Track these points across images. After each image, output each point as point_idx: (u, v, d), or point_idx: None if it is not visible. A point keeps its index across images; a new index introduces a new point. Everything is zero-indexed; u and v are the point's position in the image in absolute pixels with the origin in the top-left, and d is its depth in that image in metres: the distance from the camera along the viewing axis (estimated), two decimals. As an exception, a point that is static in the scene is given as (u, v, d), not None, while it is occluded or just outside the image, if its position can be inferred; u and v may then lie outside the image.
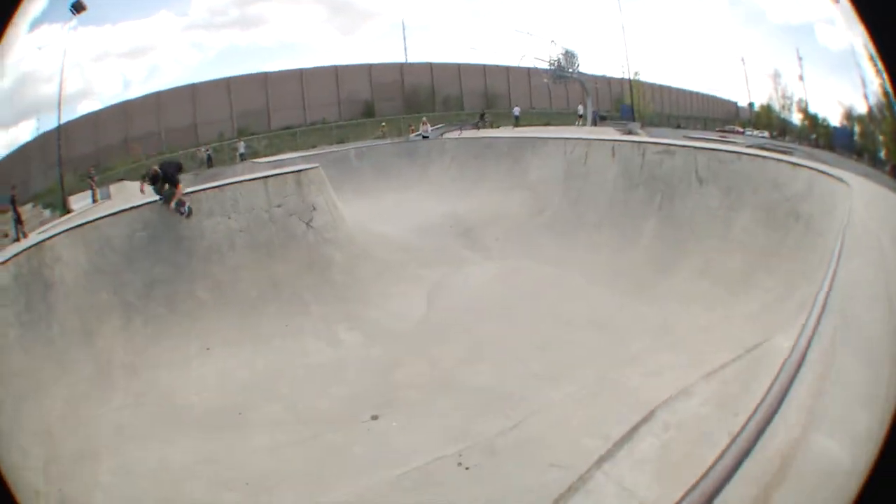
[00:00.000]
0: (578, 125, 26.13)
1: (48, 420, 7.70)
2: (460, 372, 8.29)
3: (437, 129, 27.11)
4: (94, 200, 20.20)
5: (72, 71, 31.83)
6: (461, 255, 13.25)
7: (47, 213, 19.97)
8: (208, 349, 9.42)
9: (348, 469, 6.30)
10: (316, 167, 12.15)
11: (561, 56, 27.39)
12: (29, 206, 20.77)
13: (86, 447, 7.23)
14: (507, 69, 31.84)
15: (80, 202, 20.46)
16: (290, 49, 36.13)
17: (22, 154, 24.88)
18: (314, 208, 11.31)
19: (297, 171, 11.58)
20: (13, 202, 14.10)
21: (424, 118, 26.78)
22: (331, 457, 6.63)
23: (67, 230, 10.28)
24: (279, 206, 11.05)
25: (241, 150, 27.60)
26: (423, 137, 24.11)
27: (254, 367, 8.83)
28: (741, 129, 21.80)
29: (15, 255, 9.78)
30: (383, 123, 29.19)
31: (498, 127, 27.51)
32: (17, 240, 12.81)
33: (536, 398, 7.09)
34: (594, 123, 25.76)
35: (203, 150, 28.08)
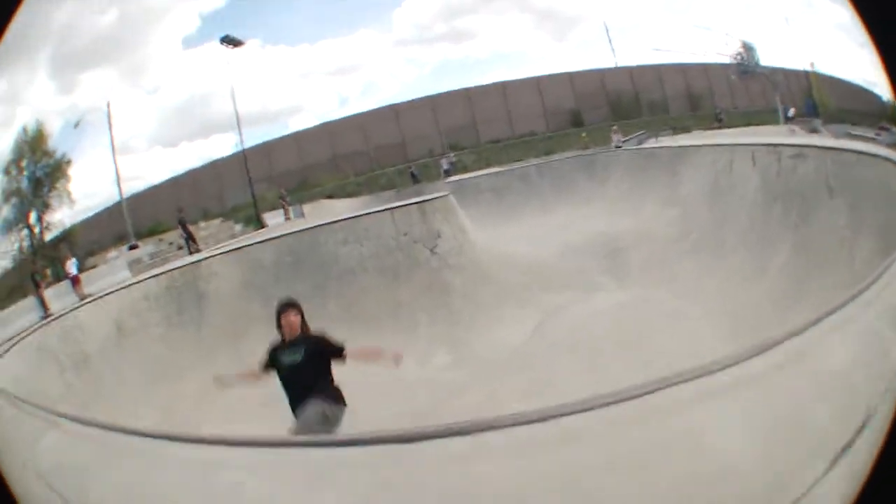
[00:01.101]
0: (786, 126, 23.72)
1: (175, 398, 9.30)
2: (503, 407, 8.19)
3: (638, 136, 26.17)
4: (287, 218, 22.96)
5: (270, 89, 36.92)
6: (595, 281, 12.96)
7: (238, 227, 23.14)
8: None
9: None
10: (444, 196, 13.10)
11: (742, 50, 25.29)
12: (218, 220, 24.52)
13: (193, 422, 8.47)
14: (706, 68, 29.86)
15: (274, 219, 23.40)
16: (503, 59, 36.89)
17: (213, 169, 28.98)
18: (439, 235, 12.14)
19: (421, 202, 12.64)
20: (182, 223, 16.71)
21: (615, 126, 26.13)
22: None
23: (224, 252, 12.29)
24: (405, 234, 12.09)
25: (445, 166, 28.61)
26: (616, 147, 23.61)
27: (346, 376, 9.57)
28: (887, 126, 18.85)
29: (169, 271, 12.00)
30: (584, 134, 28.90)
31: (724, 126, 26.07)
32: (191, 253, 15.29)
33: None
34: (786, 122, 23.27)
35: (411, 167, 30.06)
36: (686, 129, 26.33)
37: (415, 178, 28.89)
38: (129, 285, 12.07)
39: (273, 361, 5.64)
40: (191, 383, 10.35)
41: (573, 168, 20.99)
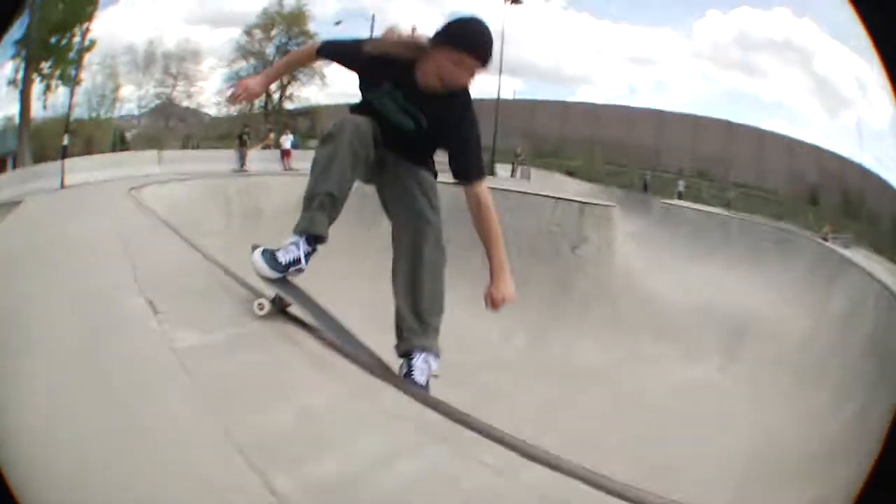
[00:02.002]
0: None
1: (323, 275, 11.89)
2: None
3: (844, 238, 24.91)
4: (512, 175, 25.00)
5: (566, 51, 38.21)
6: (702, 350, 13.15)
7: None
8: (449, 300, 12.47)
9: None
10: (609, 206, 14.02)
11: None
12: None
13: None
14: None
15: (504, 171, 25.54)
16: (783, 110, 35.64)
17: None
18: (585, 239, 13.19)
19: (583, 203, 13.65)
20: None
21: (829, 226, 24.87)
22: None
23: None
24: (558, 225, 13.34)
25: (680, 188, 29.26)
26: (822, 238, 22.84)
27: (451, 316, 11.54)
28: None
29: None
30: (810, 214, 27.92)
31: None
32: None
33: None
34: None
35: (646, 175, 30.67)
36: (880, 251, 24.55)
37: (646, 187, 29.68)
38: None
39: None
40: (336, 267, 12.93)
41: (769, 238, 20.66)
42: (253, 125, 22.69)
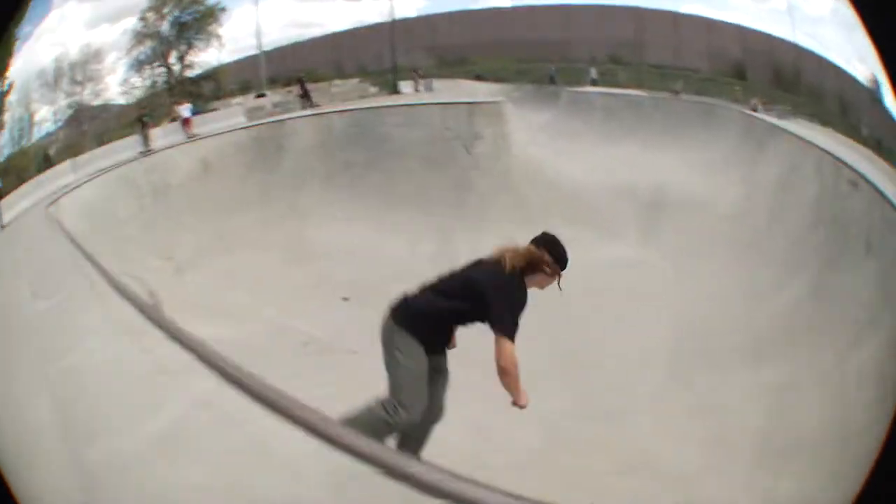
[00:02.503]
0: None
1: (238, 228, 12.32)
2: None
3: (779, 109, 25.17)
4: (416, 90, 24.87)
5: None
6: (617, 229, 13.41)
7: (374, 90, 25.53)
8: (350, 219, 12.80)
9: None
10: (497, 101, 14.12)
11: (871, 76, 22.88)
12: (356, 80, 27.12)
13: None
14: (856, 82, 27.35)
15: (406, 88, 25.61)
16: None
17: (375, 30, 30.70)
18: (478, 137, 13.43)
19: (471, 103, 13.90)
20: (301, 82, 19.18)
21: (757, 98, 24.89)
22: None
23: (304, 116, 14.58)
24: (449, 129, 13.54)
25: (593, 75, 29.42)
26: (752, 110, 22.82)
27: (358, 237, 11.97)
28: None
29: (258, 125, 14.55)
30: (738, 88, 27.94)
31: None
32: (303, 108, 17.81)
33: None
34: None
35: (551, 69, 30.71)
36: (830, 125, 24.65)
37: (552, 79, 29.73)
38: (224, 133, 14.87)
39: None
40: (248, 217, 13.15)
41: (693, 114, 20.40)
42: (157, 103, 22.64)
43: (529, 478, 5.77)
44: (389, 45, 27.09)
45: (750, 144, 16.67)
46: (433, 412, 3.85)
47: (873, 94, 23.69)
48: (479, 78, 29.51)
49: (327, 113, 15.13)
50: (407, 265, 11.27)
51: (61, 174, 14.50)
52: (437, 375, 3.79)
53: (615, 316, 9.70)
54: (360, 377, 7.40)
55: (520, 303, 3.61)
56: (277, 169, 14.25)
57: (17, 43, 21.03)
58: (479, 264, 3.80)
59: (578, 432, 6.99)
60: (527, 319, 9.17)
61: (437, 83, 25.55)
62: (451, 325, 3.76)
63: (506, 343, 3.42)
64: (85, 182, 12.69)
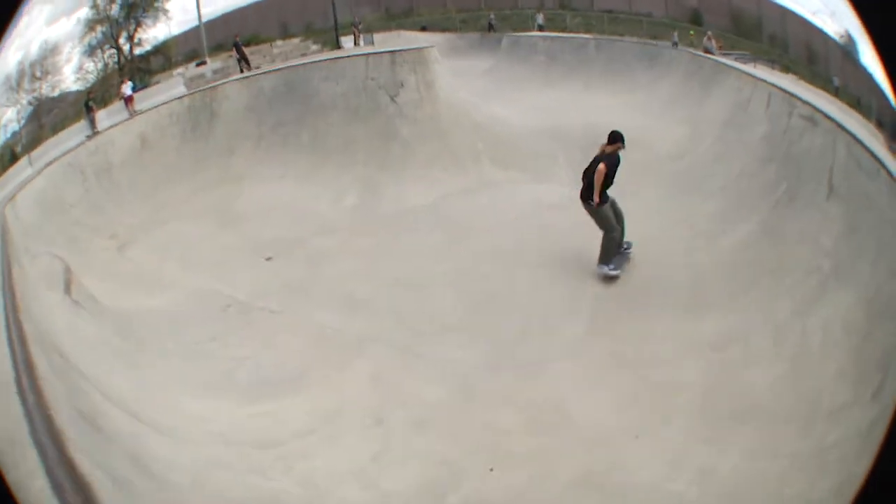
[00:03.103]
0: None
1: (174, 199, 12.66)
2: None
3: (738, 54, 24.71)
4: (356, 44, 24.86)
5: None
6: (550, 170, 13.21)
7: (315, 48, 25.55)
8: (282, 177, 12.89)
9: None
10: (420, 48, 14.07)
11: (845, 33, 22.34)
12: (297, 40, 27.16)
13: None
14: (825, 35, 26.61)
15: (348, 43, 25.57)
16: None
17: None
18: (402, 85, 13.35)
19: (392, 52, 13.79)
20: (236, 46, 19.12)
21: (710, 33, 24.50)
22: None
23: (236, 80, 14.60)
24: (373, 79, 13.51)
25: (540, 21, 28.24)
26: (706, 51, 22.38)
27: (282, 194, 12.09)
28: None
29: (192, 94, 14.61)
30: (692, 32, 27.56)
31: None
32: (242, 72, 17.84)
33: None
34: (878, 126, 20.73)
35: (490, 16, 29.63)
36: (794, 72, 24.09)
37: (491, 27, 29.55)
38: (161, 105, 14.90)
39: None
40: (184, 187, 13.33)
41: (635, 56, 20.07)
42: (108, 85, 22.83)
43: (429, 435, 6.09)
44: (331, 1, 27.17)
45: (695, 84, 16.47)
46: (621, 219, 9.11)
47: (845, 50, 23.26)
48: (423, 29, 29.56)
49: (256, 75, 15.12)
50: (329, 220, 11.66)
51: (22, 170, 14.75)
52: (612, 206, 9.04)
53: (541, 261, 9.43)
54: (276, 336, 7.89)
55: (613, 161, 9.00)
56: (210, 136, 14.35)
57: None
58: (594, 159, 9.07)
59: (488, 385, 6.80)
60: (444, 266, 9.78)
61: (379, 36, 25.53)
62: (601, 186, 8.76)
63: (601, 167, 8.74)
64: (38, 174, 12.86)
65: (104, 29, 25.98)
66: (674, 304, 7.98)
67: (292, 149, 13.52)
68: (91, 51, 25.89)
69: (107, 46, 25.95)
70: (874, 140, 8.03)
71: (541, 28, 27.47)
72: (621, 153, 9.03)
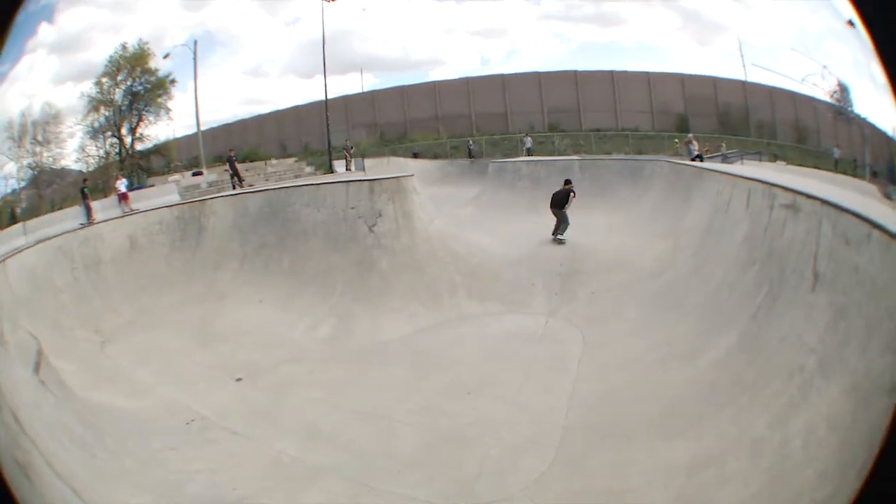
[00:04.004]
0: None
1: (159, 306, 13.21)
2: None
3: (725, 153, 25.56)
4: (347, 168, 25.88)
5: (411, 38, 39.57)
6: (525, 300, 13.55)
7: (309, 169, 26.46)
8: (261, 301, 13.32)
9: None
10: (398, 177, 14.75)
11: (837, 88, 22.86)
12: (292, 159, 28.05)
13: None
14: (815, 102, 27.47)
15: (341, 167, 26.48)
16: (648, 51, 36.33)
17: (316, 108, 31.40)
18: (380, 215, 13.97)
19: (371, 180, 14.47)
20: (229, 161, 19.93)
21: (691, 135, 25.30)
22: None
23: (224, 196, 15.31)
24: (353, 207, 14.17)
25: (528, 144, 29.48)
26: (695, 158, 22.92)
27: (260, 318, 12.61)
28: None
29: (181, 204, 15.23)
30: (676, 140, 28.52)
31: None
32: (234, 188, 18.59)
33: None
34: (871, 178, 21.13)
35: (469, 142, 31.20)
36: (782, 159, 24.97)
37: (471, 153, 30.65)
38: (149, 210, 15.67)
39: None
40: (170, 297, 13.84)
41: (619, 172, 21.14)
42: (108, 174, 23.62)
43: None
44: (325, 124, 28.38)
45: (676, 195, 16.91)
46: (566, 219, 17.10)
47: (837, 108, 23.95)
48: (415, 156, 31.07)
49: (243, 193, 15.86)
50: (302, 348, 12.04)
51: (15, 236, 15.36)
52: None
53: (511, 393, 9.52)
54: (233, 457, 8.09)
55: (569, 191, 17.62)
56: (198, 249, 14.94)
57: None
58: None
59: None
60: (409, 401, 9.74)
61: (371, 161, 26.55)
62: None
63: (571, 195, 17.34)
64: (30, 247, 13.45)
65: (108, 114, 27.01)
66: (647, 431, 7.88)
67: (273, 272, 14.11)
68: (94, 133, 26.91)
69: (109, 133, 27.00)
70: (869, 199, 8.15)
71: (529, 152, 28.61)
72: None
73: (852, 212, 7.25)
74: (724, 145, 26.24)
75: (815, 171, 21.79)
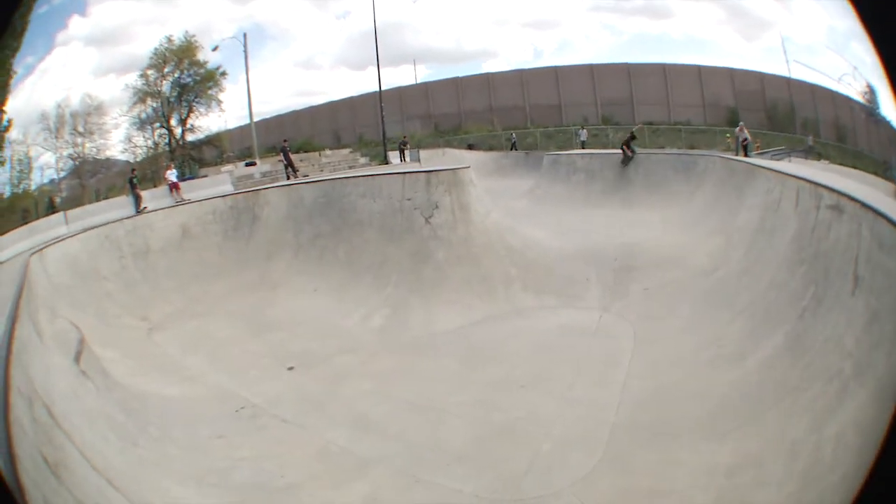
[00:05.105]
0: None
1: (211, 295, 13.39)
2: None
3: (774, 151, 25.03)
4: (402, 160, 25.87)
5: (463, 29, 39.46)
6: (580, 294, 13.33)
7: (364, 160, 26.52)
8: (315, 290, 13.36)
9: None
10: (456, 169, 14.54)
11: (866, 89, 22.20)
12: (346, 150, 28.11)
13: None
14: (851, 101, 26.89)
15: (395, 158, 26.48)
16: (696, 44, 35.59)
17: (371, 100, 31.12)
18: (436, 206, 13.82)
19: (428, 172, 14.35)
20: (283, 151, 20.03)
21: (742, 124, 24.57)
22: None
23: (279, 187, 15.44)
24: (409, 199, 14.05)
25: (583, 137, 29.56)
26: (745, 143, 22.48)
27: (314, 307, 12.66)
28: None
29: (235, 194, 15.35)
30: (728, 135, 28.19)
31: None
32: (288, 178, 18.70)
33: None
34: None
35: (511, 135, 31.39)
36: (824, 157, 24.42)
37: (513, 146, 30.86)
38: (204, 200, 15.83)
39: None
40: (222, 285, 13.98)
41: (672, 168, 20.61)
42: (158, 165, 24.01)
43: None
44: (379, 115, 28.42)
45: (728, 191, 16.65)
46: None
47: (868, 109, 23.31)
48: (470, 147, 31.15)
49: (298, 184, 15.94)
50: (356, 338, 12.07)
51: (55, 224, 15.63)
52: None
53: (562, 388, 9.43)
54: (281, 445, 8.13)
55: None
56: (251, 239, 15.03)
57: (15, 77, 22.58)
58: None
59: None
60: (460, 393, 9.70)
61: (425, 153, 26.48)
62: None
63: None
64: (73, 236, 13.77)
65: (155, 105, 27.47)
66: (693, 431, 7.83)
67: (328, 262, 14.15)
68: (141, 124, 27.39)
69: (157, 125, 27.45)
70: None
71: (584, 144, 28.41)
72: None
73: (887, 216, 7.40)
74: (810, 138, 25.46)
75: (854, 170, 21.16)
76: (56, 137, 24.81)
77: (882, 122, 21.27)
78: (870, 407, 5.81)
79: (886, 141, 21.87)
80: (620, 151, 21.80)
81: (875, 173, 20.03)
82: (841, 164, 23.15)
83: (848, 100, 25.66)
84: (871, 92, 21.61)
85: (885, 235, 7.24)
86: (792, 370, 7.98)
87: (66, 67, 27.83)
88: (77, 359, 8.37)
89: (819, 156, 24.26)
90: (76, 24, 27.58)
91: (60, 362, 7.99)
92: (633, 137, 22.41)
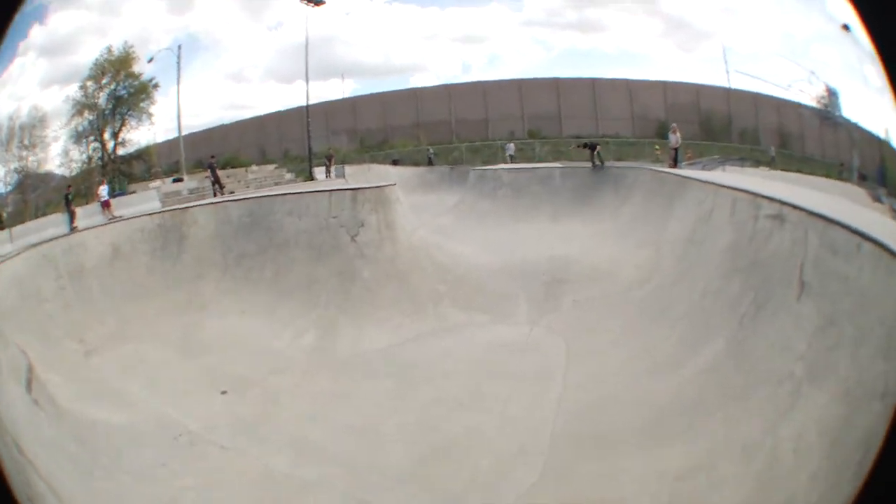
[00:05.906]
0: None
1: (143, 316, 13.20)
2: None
3: (707, 161, 25.85)
4: (327, 176, 26.02)
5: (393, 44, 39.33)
6: (509, 310, 13.80)
7: (289, 176, 26.56)
8: (243, 312, 13.41)
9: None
10: (381, 186, 14.87)
11: (825, 94, 23.18)
12: (272, 166, 28.10)
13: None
14: (800, 107, 27.76)
15: (321, 174, 26.63)
16: (629, 58, 36.71)
17: (297, 115, 30.60)
18: (362, 224, 14.25)
19: (354, 189, 14.71)
20: (210, 168, 19.99)
21: (675, 125, 25.03)
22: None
23: (206, 205, 15.29)
24: (335, 217, 14.39)
25: (510, 151, 30.21)
26: (675, 149, 22.97)
27: (243, 329, 12.79)
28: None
29: (163, 212, 15.18)
30: (657, 147, 28.95)
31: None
32: (215, 195, 18.61)
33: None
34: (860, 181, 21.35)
35: (429, 150, 31.99)
36: (764, 164, 25.32)
37: (430, 161, 31.45)
38: (133, 218, 15.66)
39: None
40: (153, 306, 13.86)
41: (599, 180, 21.42)
42: (91, 180, 23.54)
43: None
44: (306, 130, 28.49)
45: (658, 203, 17.14)
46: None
47: (824, 113, 24.26)
48: (395, 163, 31.58)
49: (224, 201, 15.93)
50: (287, 359, 12.21)
51: (2, 241, 15.27)
52: None
53: (498, 404, 9.69)
54: (223, 473, 8.19)
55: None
56: (179, 258, 14.99)
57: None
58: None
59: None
60: (397, 413, 9.83)
61: (351, 168, 26.71)
62: None
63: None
64: (18, 254, 13.48)
65: (91, 118, 26.93)
66: (636, 439, 7.97)
67: (255, 282, 14.34)
68: (77, 137, 26.74)
69: (92, 138, 26.81)
70: (856, 208, 8.55)
71: (512, 158, 28.97)
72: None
73: (841, 223, 7.49)
74: (772, 148, 26.45)
75: (799, 175, 22.00)
76: (6, 150, 24.10)
77: (841, 124, 22.02)
78: (834, 407, 5.99)
79: (845, 142, 22.66)
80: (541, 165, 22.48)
81: (827, 176, 21.04)
82: (784, 169, 24.18)
83: (797, 106, 26.55)
84: (831, 94, 22.41)
85: (839, 242, 7.37)
86: (735, 375, 8.22)
87: (21, 77, 27.09)
88: (28, 387, 8.49)
89: (758, 163, 25.14)
90: (35, 33, 26.90)
91: (15, 391, 8.10)
92: (593, 146, 23.19)
